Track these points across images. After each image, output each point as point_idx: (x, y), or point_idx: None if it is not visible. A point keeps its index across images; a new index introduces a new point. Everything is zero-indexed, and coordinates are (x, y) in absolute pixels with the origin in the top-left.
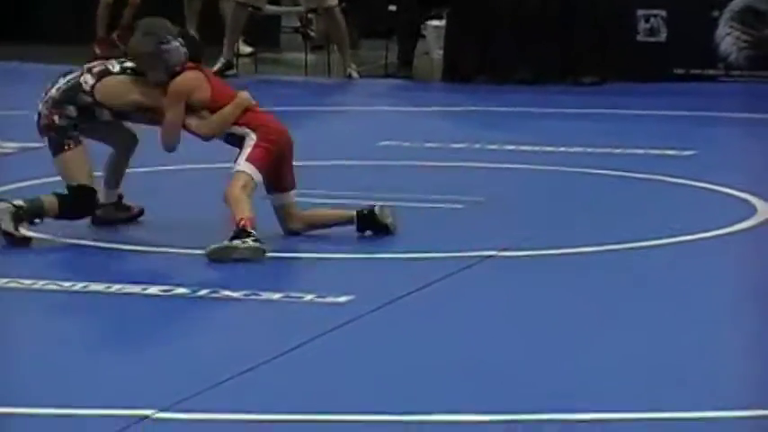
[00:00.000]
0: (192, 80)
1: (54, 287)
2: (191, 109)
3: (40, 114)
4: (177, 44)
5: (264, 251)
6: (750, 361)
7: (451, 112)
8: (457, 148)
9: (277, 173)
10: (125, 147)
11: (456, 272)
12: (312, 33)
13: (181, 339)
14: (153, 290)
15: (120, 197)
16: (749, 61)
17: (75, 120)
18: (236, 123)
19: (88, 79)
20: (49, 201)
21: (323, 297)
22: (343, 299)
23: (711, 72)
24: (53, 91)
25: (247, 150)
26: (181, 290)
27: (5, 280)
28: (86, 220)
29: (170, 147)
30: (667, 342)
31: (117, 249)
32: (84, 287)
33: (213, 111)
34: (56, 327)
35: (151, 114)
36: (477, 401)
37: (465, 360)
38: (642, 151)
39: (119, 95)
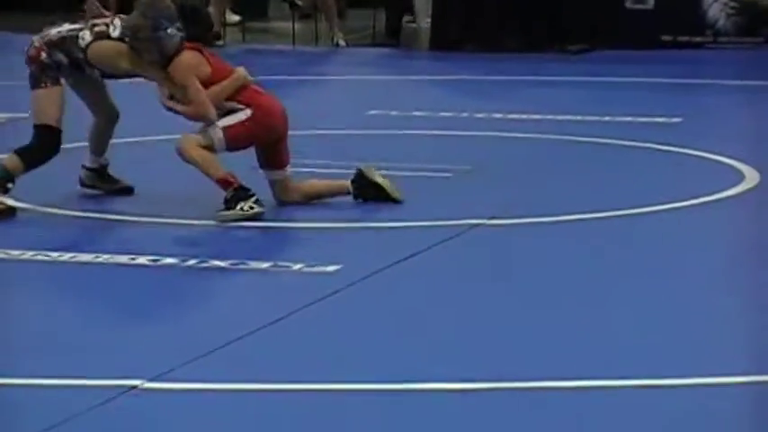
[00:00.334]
0: (190, 60)
1: (42, 257)
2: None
3: (31, 45)
4: (174, 31)
5: (263, 211)
6: (743, 326)
7: (439, 80)
8: (445, 117)
9: (273, 150)
10: (106, 118)
11: (444, 240)
12: (299, 2)
13: (169, 309)
14: (141, 260)
15: (105, 167)
16: (737, 28)
17: (64, 67)
18: (234, 100)
19: (86, 36)
20: (10, 160)
21: (311, 266)
22: (331, 268)
23: (699, 39)
24: (53, 32)
25: (232, 121)
26: (169, 260)
27: None
28: (77, 187)
29: (210, 116)
30: (657, 308)
31: (105, 219)
32: (73, 257)
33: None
34: (44, 297)
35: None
36: (467, 369)
37: (453, 328)
38: (630, 119)
39: (109, 60)
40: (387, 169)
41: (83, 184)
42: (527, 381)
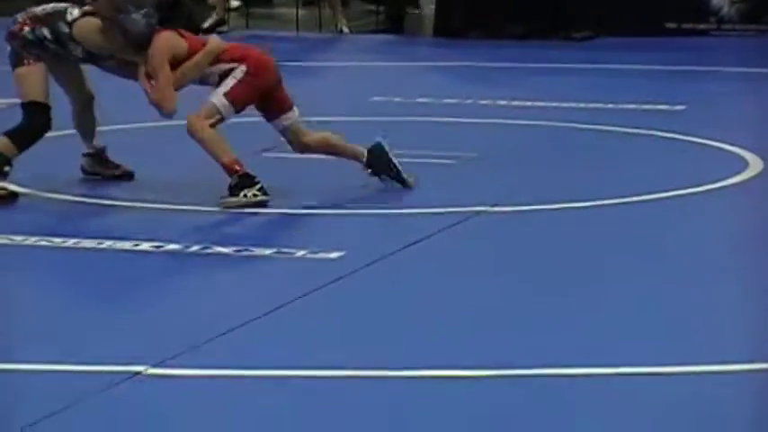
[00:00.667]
0: (166, 40)
1: (45, 243)
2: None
3: (14, 20)
4: (139, 17)
5: (268, 198)
6: (747, 314)
7: (443, 67)
8: (449, 104)
9: (275, 97)
10: (82, 102)
11: (448, 227)
12: None
13: (172, 295)
14: (144, 246)
15: (102, 150)
16: (741, 15)
17: (46, 41)
18: (223, 61)
19: (74, 12)
20: (2, 143)
21: (314, 253)
22: (334, 254)
23: (703, 26)
24: (38, 9)
25: (230, 83)
26: (172, 246)
27: None
28: (79, 173)
29: (169, 110)
30: (661, 296)
31: (107, 205)
32: (76, 243)
33: None
34: (47, 283)
35: (120, 65)
36: (469, 356)
37: (456, 315)
38: (633, 106)
39: (92, 36)
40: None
41: (85, 171)
42: (529, 368)
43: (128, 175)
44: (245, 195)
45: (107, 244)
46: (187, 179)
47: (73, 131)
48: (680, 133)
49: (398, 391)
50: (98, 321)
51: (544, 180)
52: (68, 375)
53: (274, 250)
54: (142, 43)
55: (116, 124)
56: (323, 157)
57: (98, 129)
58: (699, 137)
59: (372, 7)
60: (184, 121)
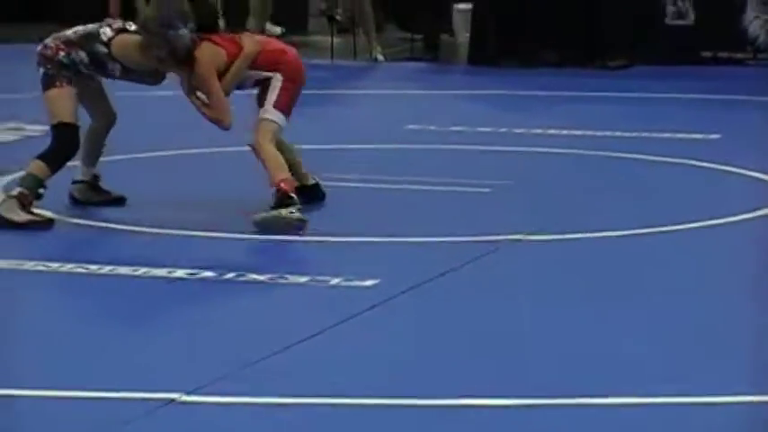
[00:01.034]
0: (209, 53)
1: (81, 270)
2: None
3: (45, 45)
4: (185, 32)
5: (306, 222)
6: None
7: (478, 95)
8: (484, 132)
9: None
10: (106, 120)
11: (483, 255)
12: (338, 16)
13: (207, 323)
14: (179, 273)
15: (97, 178)
16: None
17: (81, 65)
18: (256, 68)
19: (107, 31)
20: (35, 165)
21: (349, 281)
22: (369, 282)
23: (739, 55)
24: (69, 32)
25: (274, 94)
26: (207, 273)
27: (33, 263)
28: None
29: (227, 123)
30: (692, 326)
31: (142, 232)
32: (111, 270)
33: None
34: (83, 310)
35: (156, 78)
36: (504, 386)
37: (491, 345)
38: (668, 135)
39: (131, 51)
40: (425, 184)
41: (73, 200)
42: (562, 397)
43: (119, 201)
44: (281, 213)
45: (142, 271)
46: (221, 205)
47: (105, 158)
48: (715, 162)
49: (434, 420)
50: (133, 348)
51: (579, 208)
52: (104, 402)
53: (309, 278)
54: (186, 57)
55: (145, 152)
56: (358, 185)
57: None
58: (734, 166)
59: (407, 35)
60: (210, 149)
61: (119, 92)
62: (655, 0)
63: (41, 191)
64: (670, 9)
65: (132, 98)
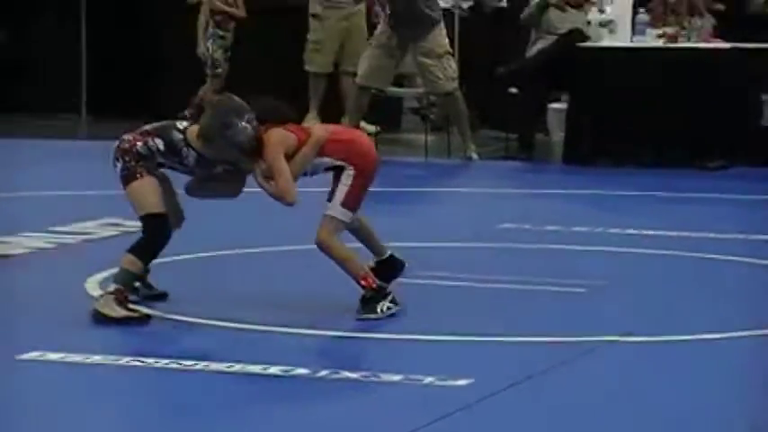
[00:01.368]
0: (278, 136)
1: (175, 366)
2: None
3: (122, 140)
4: (245, 123)
5: (400, 306)
6: None
7: (573, 194)
8: (579, 232)
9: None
10: (175, 220)
11: (577, 356)
12: (432, 115)
13: (301, 422)
14: (273, 370)
15: (148, 272)
16: None
17: (158, 154)
18: (329, 155)
19: (184, 122)
20: (127, 260)
21: (443, 380)
22: (462, 382)
23: None
24: (146, 126)
25: (345, 190)
26: (301, 370)
27: (128, 359)
28: (203, 294)
29: (291, 200)
30: None
31: (235, 328)
32: (206, 366)
33: None
34: (177, 405)
35: (229, 175)
36: None
37: None
38: (765, 237)
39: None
40: (519, 283)
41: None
42: None
43: (162, 296)
44: (381, 310)
45: (237, 367)
46: (304, 302)
47: (193, 255)
48: None
49: None
50: None
51: (675, 310)
52: None
53: (402, 376)
54: (254, 148)
55: (219, 250)
56: (452, 283)
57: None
58: None
59: (502, 134)
60: (297, 246)
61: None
62: (751, 102)
63: (136, 284)
64: (767, 111)
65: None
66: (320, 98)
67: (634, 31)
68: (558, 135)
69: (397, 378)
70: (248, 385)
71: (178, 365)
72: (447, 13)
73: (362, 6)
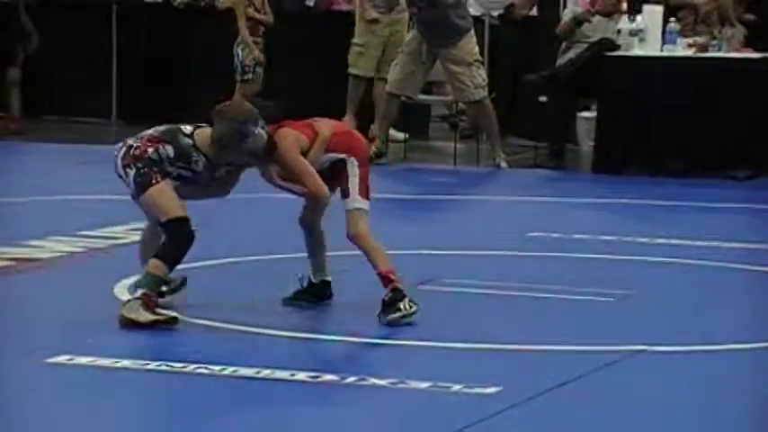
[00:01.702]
0: (291, 137)
1: (204, 371)
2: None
3: (129, 147)
4: (259, 131)
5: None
6: None
7: (601, 203)
8: (607, 241)
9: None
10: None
11: (605, 365)
12: (462, 123)
13: (329, 427)
14: (301, 376)
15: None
16: None
17: (167, 161)
18: (333, 150)
19: (187, 126)
20: (153, 264)
21: (471, 387)
22: (491, 390)
23: None
24: (149, 131)
25: (356, 182)
26: (329, 376)
27: (156, 363)
28: (230, 299)
29: (325, 194)
30: None
31: (263, 334)
32: (234, 371)
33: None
34: (205, 410)
35: (228, 176)
36: None
37: None
38: None
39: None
40: (546, 292)
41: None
42: None
43: (183, 283)
44: (404, 307)
45: (264, 373)
46: (337, 307)
47: (222, 260)
48: None
49: None
50: None
51: (703, 320)
52: None
53: (430, 383)
54: (268, 152)
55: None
56: (482, 291)
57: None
58: None
59: (531, 142)
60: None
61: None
62: None
63: (163, 288)
64: None
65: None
66: (357, 102)
67: (664, 41)
68: (587, 144)
69: (424, 385)
70: (277, 391)
71: (206, 370)
72: (477, 21)
73: (406, 15)
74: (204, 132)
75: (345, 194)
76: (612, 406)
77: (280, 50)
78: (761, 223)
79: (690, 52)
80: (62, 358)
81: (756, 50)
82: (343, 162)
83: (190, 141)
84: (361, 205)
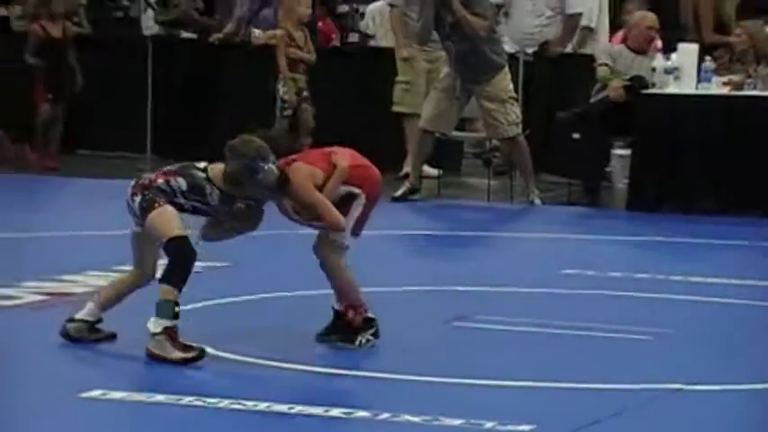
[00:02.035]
0: (305, 171)
1: (238, 406)
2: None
3: (140, 179)
4: (270, 166)
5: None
6: None
7: (636, 241)
8: (642, 279)
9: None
10: (146, 276)
11: (642, 404)
12: (495, 159)
13: None
14: (334, 412)
15: (100, 321)
16: None
17: (179, 193)
18: (348, 183)
19: (200, 163)
20: (163, 290)
21: (504, 425)
22: (525, 427)
23: None
24: (165, 167)
25: (353, 217)
26: (362, 413)
27: (190, 398)
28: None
29: (341, 225)
30: None
31: (297, 370)
32: (268, 407)
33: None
34: None
35: (249, 210)
36: None
37: None
38: None
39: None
40: (581, 329)
41: (67, 336)
42: None
43: (112, 337)
44: (360, 342)
45: (298, 409)
46: (385, 344)
47: (243, 297)
48: None
49: None
50: None
51: (740, 359)
52: None
53: (464, 420)
54: (280, 185)
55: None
56: (516, 328)
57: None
58: None
59: (564, 179)
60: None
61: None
62: None
63: (177, 309)
64: None
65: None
66: (419, 142)
67: (699, 79)
68: (621, 181)
69: (458, 422)
70: (311, 427)
71: (240, 406)
72: (511, 58)
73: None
74: (217, 167)
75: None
76: None
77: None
78: None
79: (725, 90)
80: (96, 393)
81: None
82: (352, 195)
83: (203, 175)
84: (347, 241)
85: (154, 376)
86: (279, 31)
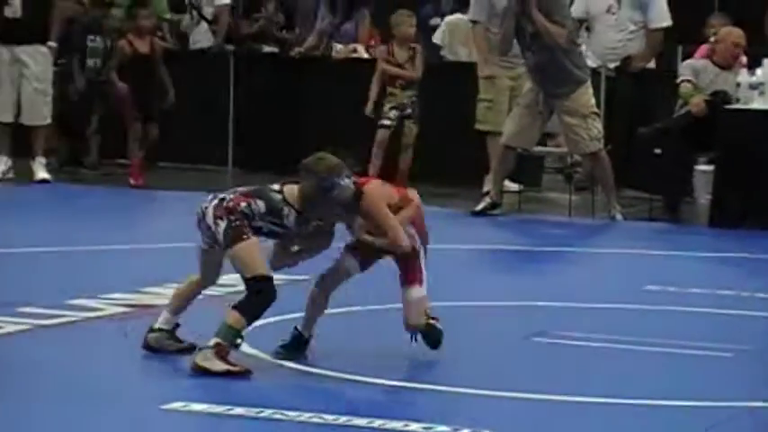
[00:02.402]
0: (379, 193)
1: (317, 420)
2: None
3: (222, 200)
4: (346, 182)
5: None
6: None
7: (719, 258)
8: (724, 295)
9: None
10: (209, 283)
11: (723, 421)
12: (577, 174)
13: None
14: (414, 426)
15: (177, 326)
16: None
17: (257, 216)
18: (411, 223)
19: (275, 185)
20: (232, 316)
21: None
22: None
23: None
24: (239, 189)
25: (424, 271)
26: (442, 428)
27: (270, 411)
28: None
29: (404, 246)
30: None
31: (378, 384)
32: (348, 421)
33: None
34: None
35: (320, 229)
36: None
37: None
38: None
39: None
40: (662, 346)
41: (148, 347)
42: None
43: (191, 349)
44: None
45: (378, 423)
46: (447, 357)
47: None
48: None
49: None
50: None
51: None
52: None
53: None
54: (354, 201)
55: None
56: (595, 344)
57: None
58: None
59: (645, 195)
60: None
61: None
62: None
63: (238, 341)
64: None
65: None
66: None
67: None
68: (704, 197)
69: None
70: None
71: (320, 419)
72: (594, 73)
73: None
74: (292, 188)
75: (409, 280)
76: None
77: None
78: None
79: None
80: (177, 405)
81: None
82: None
83: (279, 196)
84: (423, 295)
85: (234, 389)
86: (359, 45)
